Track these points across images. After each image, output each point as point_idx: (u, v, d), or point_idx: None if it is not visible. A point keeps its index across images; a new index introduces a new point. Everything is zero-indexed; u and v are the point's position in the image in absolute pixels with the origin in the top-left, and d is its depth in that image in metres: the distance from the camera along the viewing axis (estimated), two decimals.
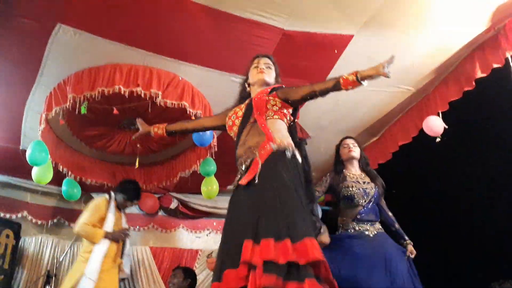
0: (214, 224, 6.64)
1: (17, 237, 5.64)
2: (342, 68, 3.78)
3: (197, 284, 5.21)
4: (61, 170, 4.51)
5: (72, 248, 5.79)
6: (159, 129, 3.12)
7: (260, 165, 2.37)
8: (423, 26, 3.56)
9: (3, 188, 5.73)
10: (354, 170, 3.61)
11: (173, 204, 6.28)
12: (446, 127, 4.16)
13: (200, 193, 4.93)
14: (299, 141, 2.64)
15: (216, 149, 4.30)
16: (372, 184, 3.53)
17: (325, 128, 4.84)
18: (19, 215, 5.76)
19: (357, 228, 3.40)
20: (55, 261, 5.62)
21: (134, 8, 3.28)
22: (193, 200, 6.32)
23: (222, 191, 4.91)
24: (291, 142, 2.52)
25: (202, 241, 6.61)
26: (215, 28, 3.50)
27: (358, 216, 3.42)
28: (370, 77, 2.34)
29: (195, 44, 3.65)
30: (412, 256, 3.40)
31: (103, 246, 4.07)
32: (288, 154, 2.42)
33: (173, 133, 3.18)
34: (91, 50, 3.62)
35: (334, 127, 4.83)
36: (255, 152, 2.45)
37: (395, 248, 3.36)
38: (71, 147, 4.72)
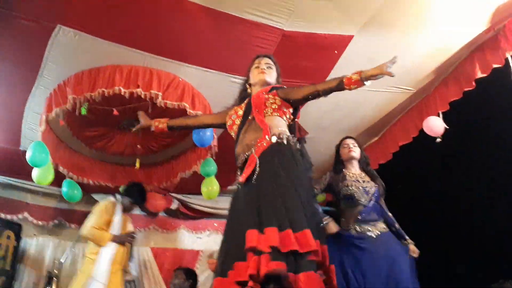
0: (215, 224, 6.64)
1: (18, 238, 5.64)
2: (342, 69, 3.78)
3: (198, 285, 5.20)
4: (61, 171, 4.51)
5: (73, 249, 5.79)
6: (160, 123, 3.12)
7: (257, 160, 2.38)
8: (423, 26, 3.56)
9: (3, 189, 5.74)
10: (354, 170, 3.59)
11: (174, 205, 6.28)
12: (447, 127, 4.16)
13: (201, 194, 4.93)
14: (298, 139, 2.65)
15: (216, 149, 4.30)
16: (372, 183, 3.52)
17: (325, 128, 4.84)
18: (20, 216, 5.76)
19: (359, 229, 3.37)
20: (56, 262, 5.63)
21: (134, 9, 3.28)
22: (193, 200, 6.32)
23: (222, 191, 4.92)
24: (289, 133, 2.53)
25: (203, 241, 6.61)
26: (215, 29, 3.50)
27: (360, 217, 3.39)
28: (374, 76, 2.34)
29: (195, 45, 3.65)
30: (415, 255, 3.39)
31: (111, 249, 4.09)
32: (285, 142, 2.44)
33: (174, 128, 3.19)
34: (91, 51, 3.62)
35: (335, 127, 4.83)
36: (252, 148, 2.46)
37: (399, 248, 3.34)
38: (71, 148, 4.72)
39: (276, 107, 2.59)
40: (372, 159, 4.26)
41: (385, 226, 3.42)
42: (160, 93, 3.71)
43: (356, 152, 3.62)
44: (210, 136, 4.07)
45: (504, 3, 3.37)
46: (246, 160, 2.47)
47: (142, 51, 3.66)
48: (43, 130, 3.95)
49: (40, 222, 5.88)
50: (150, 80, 3.73)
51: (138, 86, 3.66)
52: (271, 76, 2.82)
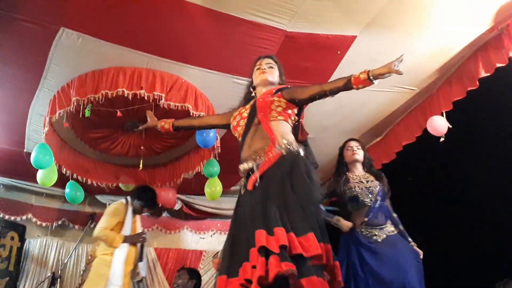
0: (218, 225, 6.65)
1: (22, 239, 5.66)
2: (345, 69, 3.77)
3: (201, 285, 5.21)
4: (64, 173, 4.52)
5: (76, 250, 5.81)
6: (166, 124, 3.15)
7: (265, 169, 2.39)
8: (426, 25, 3.56)
9: (7, 191, 5.76)
10: (357, 172, 3.59)
11: (177, 205, 6.28)
12: (450, 126, 4.15)
13: (204, 194, 4.93)
14: (301, 142, 2.65)
15: (219, 150, 4.30)
16: (376, 182, 3.49)
17: (328, 128, 4.84)
18: (24, 217, 5.79)
19: (365, 232, 3.37)
20: (60, 263, 5.65)
21: (137, 11, 3.28)
22: (197, 201, 6.32)
23: (225, 192, 4.92)
24: (296, 143, 2.53)
25: (206, 242, 6.63)
26: (218, 30, 3.50)
27: (366, 219, 3.38)
28: (381, 75, 2.33)
29: (198, 46, 3.65)
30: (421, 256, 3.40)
31: (123, 251, 4.14)
32: (292, 153, 2.43)
33: (179, 128, 3.20)
34: (94, 53, 3.62)
35: (338, 127, 4.83)
36: (261, 157, 2.46)
37: (406, 251, 3.32)
38: (75, 149, 4.73)
39: (281, 110, 2.58)
40: (375, 159, 4.26)
41: (393, 229, 3.40)
42: (163, 95, 3.72)
43: (359, 154, 3.61)
44: (213, 137, 4.08)
45: (508, 2, 3.36)
46: (255, 168, 2.46)
47: (145, 53, 3.66)
48: (47, 132, 3.96)
49: (44, 223, 5.91)
50: (153, 82, 3.74)
51: (141, 88, 3.67)
52: (273, 75, 2.80)
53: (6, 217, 5.63)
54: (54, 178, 4.37)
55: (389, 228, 3.39)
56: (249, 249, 2.12)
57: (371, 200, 3.41)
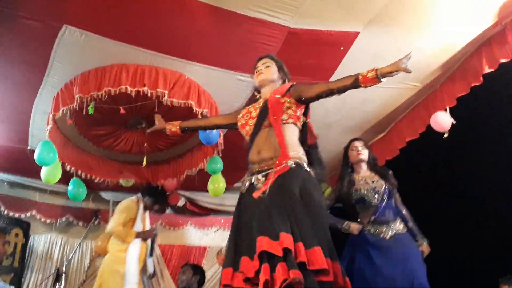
0: (222, 221, 6.68)
1: (26, 236, 5.70)
2: (348, 66, 3.79)
3: (205, 281, 5.23)
4: (68, 170, 4.54)
5: (81, 246, 5.84)
6: (173, 127, 3.22)
7: (274, 179, 2.39)
8: (429, 21, 3.54)
9: (12, 188, 5.79)
10: (362, 172, 3.60)
11: (181, 202, 6.31)
12: (454, 122, 4.13)
13: (207, 191, 4.94)
14: (311, 148, 2.66)
15: (222, 147, 4.31)
16: (382, 181, 3.51)
17: (332, 125, 4.83)
18: (28, 214, 5.83)
19: (372, 230, 3.39)
20: (64, 259, 5.68)
21: (139, 9, 3.27)
22: (200, 197, 6.34)
23: (228, 188, 4.93)
24: (305, 158, 2.54)
25: (210, 238, 6.66)
26: (220, 27, 3.49)
27: (373, 217, 3.41)
28: (390, 73, 2.33)
29: (201, 43, 3.65)
30: (424, 255, 3.40)
31: (136, 247, 4.23)
32: (301, 166, 2.46)
33: (186, 130, 3.26)
34: (97, 50, 3.62)
35: (341, 124, 4.83)
36: (271, 167, 2.47)
37: (414, 250, 3.34)
38: (79, 146, 4.73)
39: (292, 112, 2.60)
40: (379, 156, 4.25)
41: (402, 227, 3.42)
42: (166, 92, 3.71)
43: (364, 154, 3.62)
44: (216, 134, 4.08)
45: None
46: (264, 177, 2.47)
47: (148, 50, 3.66)
48: (50, 129, 3.97)
49: (48, 220, 5.95)
50: (156, 79, 3.73)
51: (144, 85, 3.66)
52: (270, 73, 2.81)
53: (11, 214, 5.67)
54: (58, 175, 4.39)
55: (398, 226, 3.42)
56: (251, 248, 2.13)
57: (377, 200, 3.43)
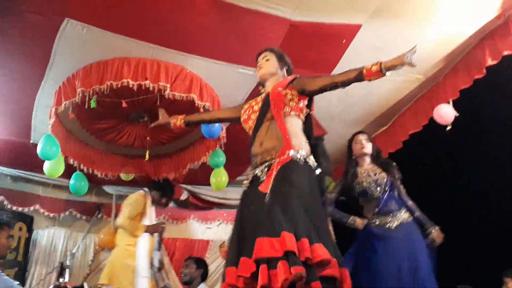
0: (225, 214, 6.68)
1: (30, 230, 5.73)
2: (350, 58, 3.77)
3: (208, 274, 5.25)
4: (71, 164, 4.55)
5: (84, 240, 5.86)
6: (177, 121, 3.25)
7: (277, 171, 2.37)
8: (432, 13, 3.52)
9: (15, 182, 5.80)
10: (365, 165, 3.63)
11: (184, 196, 6.31)
12: (457, 114, 4.12)
13: (210, 184, 4.95)
14: (316, 141, 2.65)
15: (225, 140, 4.31)
16: (384, 174, 3.53)
17: (335, 118, 4.82)
18: (31, 208, 5.84)
19: (377, 222, 3.42)
20: (68, 253, 5.70)
21: (141, 2, 3.27)
22: (203, 191, 6.34)
23: (231, 182, 4.93)
24: (308, 148, 2.53)
25: (213, 231, 6.67)
26: (222, 20, 3.47)
27: (377, 209, 3.44)
28: (394, 67, 2.32)
29: (202, 37, 3.64)
30: (436, 244, 3.40)
31: (146, 241, 4.26)
32: (303, 161, 2.44)
33: (190, 124, 3.29)
34: (99, 44, 3.62)
35: (344, 116, 4.81)
36: (271, 157, 2.46)
37: (420, 239, 3.35)
38: (81, 140, 4.74)
39: (294, 104, 2.59)
40: (382, 148, 4.24)
41: (408, 216, 3.44)
42: (168, 85, 3.71)
43: (368, 148, 3.64)
44: (219, 128, 4.08)
45: None
46: (267, 168, 2.46)
47: (150, 43, 3.65)
48: (53, 123, 3.97)
49: (51, 214, 5.96)
50: (158, 72, 3.73)
51: (146, 78, 3.66)
52: (270, 66, 2.82)
53: (14, 208, 5.67)
54: (61, 169, 4.40)
55: (403, 215, 3.43)
56: (253, 242, 2.13)
57: (379, 192, 3.45)
